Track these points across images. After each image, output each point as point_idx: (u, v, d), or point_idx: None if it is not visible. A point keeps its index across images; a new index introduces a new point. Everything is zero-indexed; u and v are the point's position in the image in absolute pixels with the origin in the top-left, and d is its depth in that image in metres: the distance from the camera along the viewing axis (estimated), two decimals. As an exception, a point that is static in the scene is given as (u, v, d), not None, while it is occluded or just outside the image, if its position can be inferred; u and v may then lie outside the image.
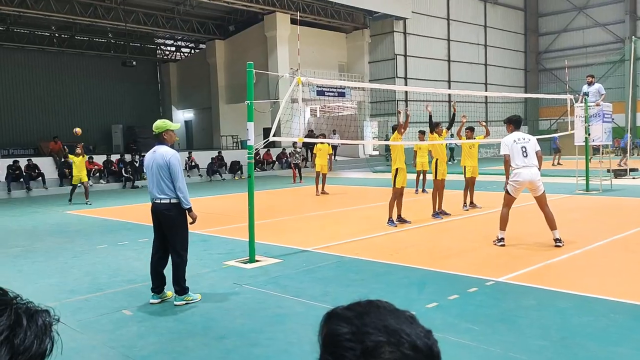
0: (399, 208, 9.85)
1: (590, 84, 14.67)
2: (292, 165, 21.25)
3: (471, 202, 11.66)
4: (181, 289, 5.50)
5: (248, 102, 7.10)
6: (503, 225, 7.67)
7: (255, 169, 24.52)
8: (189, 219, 5.61)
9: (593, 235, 8.20)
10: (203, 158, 24.07)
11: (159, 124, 5.65)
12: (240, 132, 28.58)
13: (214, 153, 24.87)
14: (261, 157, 25.94)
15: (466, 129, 11.81)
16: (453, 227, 9.64)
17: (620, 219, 9.70)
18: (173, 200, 5.48)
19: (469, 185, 11.61)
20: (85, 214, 13.12)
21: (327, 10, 29.80)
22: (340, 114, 36.73)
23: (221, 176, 23.76)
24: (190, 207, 5.56)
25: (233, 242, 8.64)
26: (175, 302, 5.48)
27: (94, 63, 32.58)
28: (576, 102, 14.34)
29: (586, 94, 14.42)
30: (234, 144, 30.85)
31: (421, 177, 14.87)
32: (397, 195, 9.67)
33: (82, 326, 4.91)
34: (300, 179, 20.60)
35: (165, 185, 5.45)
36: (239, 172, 24.15)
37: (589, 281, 5.86)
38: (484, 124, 12.99)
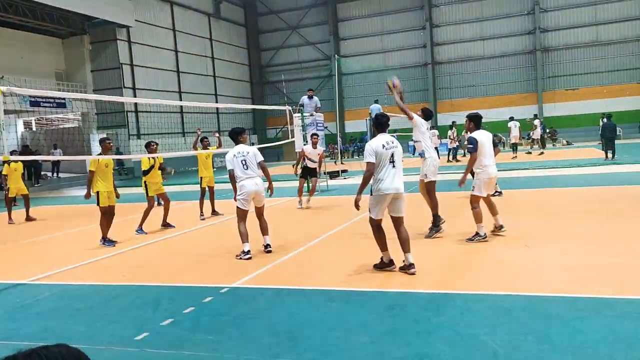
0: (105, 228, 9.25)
1: (310, 97, 16.42)
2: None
3: (213, 211, 11.98)
4: None
5: None
6: (244, 238, 7.48)
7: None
8: None
9: (314, 232, 9.12)
10: None
11: None
12: None
13: None
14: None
15: (201, 139, 12.11)
16: (189, 239, 9.62)
17: (334, 216, 11.01)
18: None
19: (209, 194, 11.96)
20: None
21: (36, 11, 26.68)
22: (62, 126, 33.33)
23: None
24: None
25: None
26: None
27: None
28: (294, 113, 15.83)
29: (302, 105, 16.05)
30: None
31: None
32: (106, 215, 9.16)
33: None
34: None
35: None
36: None
37: (308, 276, 6.48)
38: (217, 134, 13.48)
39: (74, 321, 5.26)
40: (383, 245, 6.23)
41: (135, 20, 30.66)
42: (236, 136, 7.83)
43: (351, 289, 5.69)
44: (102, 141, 9.41)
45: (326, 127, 18.00)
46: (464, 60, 38.88)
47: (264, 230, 7.72)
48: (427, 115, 8.60)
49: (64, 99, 27.94)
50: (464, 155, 24.27)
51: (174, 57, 35.37)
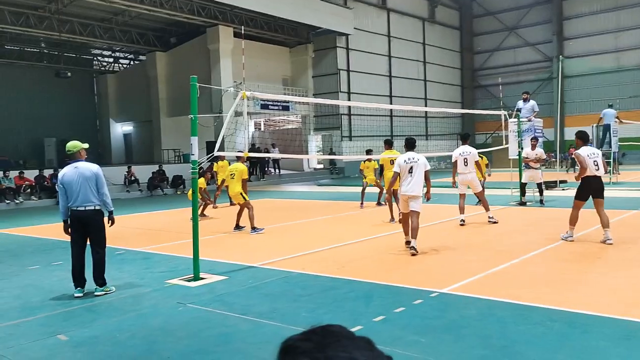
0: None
1: (525, 100, 15.32)
2: None
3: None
4: (104, 281, 6.46)
5: (192, 116, 6.98)
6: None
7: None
8: (108, 222, 6.63)
9: (528, 245, 8.53)
10: (143, 172, 23.41)
11: (75, 144, 6.54)
12: (182, 146, 28.07)
13: (155, 167, 24.26)
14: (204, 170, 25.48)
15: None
16: (397, 239, 9.77)
17: (552, 229, 10.12)
18: (98, 207, 6.44)
19: None
20: (15, 232, 12.42)
21: (271, 24, 29.92)
22: (284, 127, 36.81)
23: (162, 191, 23.18)
24: (113, 210, 6.67)
25: (176, 260, 8.42)
26: (97, 293, 6.36)
27: (25, 74, 31.08)
28: (510, 117, 14.98)
29: (519, 109, 15.09)
30: (176, 157, 30.22)
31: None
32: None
33: (14, 354, 4.62)
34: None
35: (92, 195, 6.35)
36: (182, 186, 23.64)
37: (525, 290, 6.06)
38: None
39: (296, 305, 5.76)
40: None
41: (354, 28, 32.30)
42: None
43: (575, 311, 5.18)
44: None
45: (543, 134, 16.67)
46: None
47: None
48: None
49: (288, 102, 30.77)
50: None
51: (387, 62, 36.36)
